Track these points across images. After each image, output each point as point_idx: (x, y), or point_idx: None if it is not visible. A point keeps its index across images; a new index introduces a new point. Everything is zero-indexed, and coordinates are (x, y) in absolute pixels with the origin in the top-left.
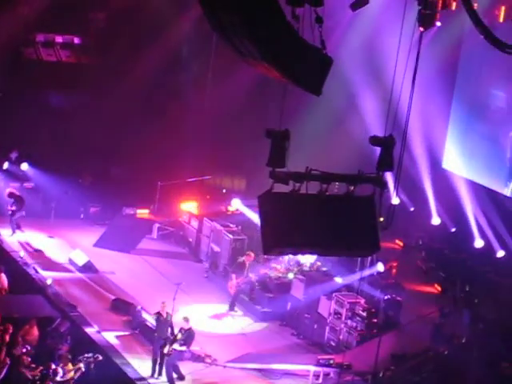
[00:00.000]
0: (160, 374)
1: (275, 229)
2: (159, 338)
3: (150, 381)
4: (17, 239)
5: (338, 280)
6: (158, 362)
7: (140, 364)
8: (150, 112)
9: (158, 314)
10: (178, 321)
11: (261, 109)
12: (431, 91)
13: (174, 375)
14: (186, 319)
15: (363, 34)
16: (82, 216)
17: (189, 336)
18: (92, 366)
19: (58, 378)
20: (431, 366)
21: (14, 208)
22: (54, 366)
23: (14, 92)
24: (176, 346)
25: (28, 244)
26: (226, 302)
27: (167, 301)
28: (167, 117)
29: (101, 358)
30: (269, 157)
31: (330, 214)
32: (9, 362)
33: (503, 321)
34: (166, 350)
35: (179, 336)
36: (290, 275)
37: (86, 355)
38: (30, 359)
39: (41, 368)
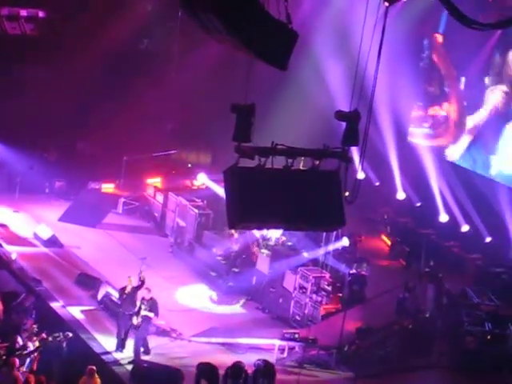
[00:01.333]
0: (124, 347)
1: (240, 203)
2: (124, 313)
3: (115, 355)
4: None
5: (304, 254)
6: (123, 336)
7: (105, 338)
8: (116, 86)
9: (123, 289)
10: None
11: (227, 83)
12: (398, 65)
13: (141, 349)
14: (148, 289)
15: (330, 8)
16: (47, 191)
17: (152, 305)
18: (64, 344)
19: (24, 352)
20: (396, 339)
21: None
22: (20, 341)
23: None
24: (144, 313)
25: None
26: (190, 276)
27: (133, 275)
28: (133, 91)
29: (71, 335)
30: (234, 131)
31: (296, 189)
32: None
33: (467, 295)
34: (135, 322)
35: (143, 307)
36: (256, 250)
37: (56, 334)
38: None
39: (6, 343)
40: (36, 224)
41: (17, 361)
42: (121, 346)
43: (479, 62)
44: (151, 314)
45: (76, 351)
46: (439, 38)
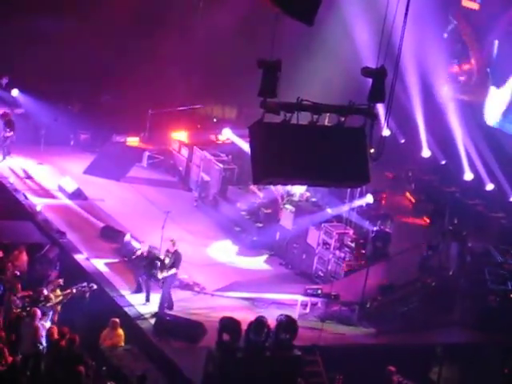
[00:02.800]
0: (148, 300)
1: (265, 159)
2: (148, 267)
3: (139, 308)
4: (6, 165)
5: (328, 211)
6: (145, 289)
7: (128, 291)
8: (142, 39)
9: (167, 251)
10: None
11: (254, 39)
12: (425, 20)
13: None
14: (173, 242)
15: None
16: (71, 143)
17: (176, 258)
18: (87, 295)
19: (48, 304)
20: (418, 297)
21: (9, 134)
22: (45, 292)
23: (2, 17)
24: (165, 274)
25: (18, 170)
26: (214, 231)
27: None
28: (159, 44)
29: (95, 287)
30: (260, 87)
31: (321, 145)
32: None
33: (490, 254)
34: (159, 276)
35: (167, 260)
36: (280, 205)
37: (79, 285)
38: (19, 285)
39: (30, 293)
40: (61, 176)
41: (38, 312)
42: (146, 299)
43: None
44: (173, 271)
45: (99, 304)
46: None
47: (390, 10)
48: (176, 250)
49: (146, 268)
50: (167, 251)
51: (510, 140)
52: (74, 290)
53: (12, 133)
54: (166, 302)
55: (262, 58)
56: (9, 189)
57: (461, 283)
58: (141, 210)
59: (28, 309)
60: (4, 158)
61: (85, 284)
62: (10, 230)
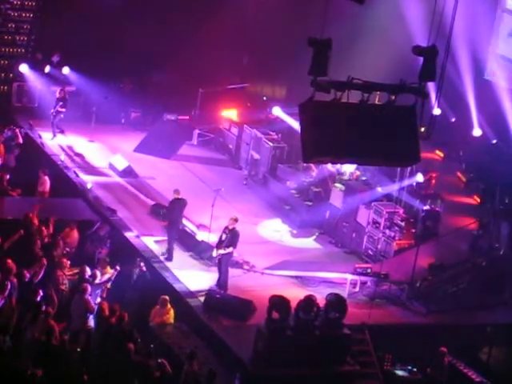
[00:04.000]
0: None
1: (315, 137)
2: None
3: (189, 286)
4: (57, 143)
5: (378, 189)
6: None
7: (178, 269)
8: (193, 17)
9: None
10: (215, 227)
11: (305, 17)
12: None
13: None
14: (234, 219)
15: None
16: (122, 121)
17: (233, 236)
18: (137, 272)
19: (96, 281)
20: (468, 276)
21: (62, 109)
22: (88, 270)
23: None
24: (221, 251)
25: (69, 148)
26: (263, 209)
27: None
28: (210, 22)
29: (145, 264)
30: (310, 65)
31: (371, 124)
32: (45, 263)
33: None
34: (214, 254)
35: (224, 236)
36: (330, 184)
37: (130, 263)
38: (69, 262)
39: (76, 271)
40: (111, 154)
41: (89, 287)
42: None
43: None
44: (230, 249)
45: (149, 281)
46: None
47: None
48: (234, 228)
49: (195, 248)
50: (226, 228)
51: None
52: (123, 267)
53: (64, 109)
54: (225, 281)
55: (312, 37)
56: (60, 166)
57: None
58: (191, 187)
59: (78, 285)
60: (55, 136)
61: (134, 262)
62: (61, 208)
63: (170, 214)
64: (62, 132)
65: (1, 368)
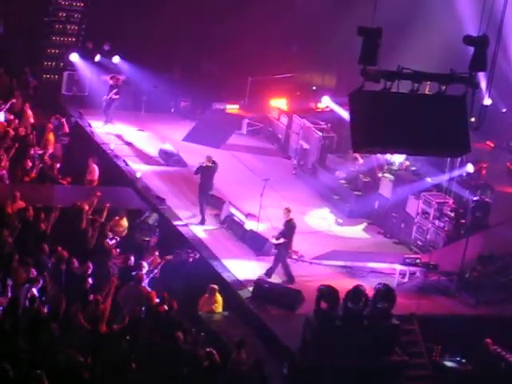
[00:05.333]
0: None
1: (365, 127)
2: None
3: (238, 275)
4: (107, 131)
5: (427, 180)
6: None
7: (227, 258)
8: (243, 5)
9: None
10: (264, 217)
11: (354, 5)
12: None
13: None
14: (287, 210)
15: None
16: (172, 110)
17: (287, 228)
18: (186, 261)
19: (142, 271)
20: None
21: (116, 96)
22: (132, 259)
23: None
24: (274, 241)
25: (118, 137)
26: (313, 199)
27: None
28: (260, 11)
29: (196, 254)
30: (360, 54)
31: (421, 114)
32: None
33: None
34: (273, 242)
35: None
36: (379, 174)
37: (178, 251)
38: (118, 250)
39: (125, 259)
40: (161, 143)
41: (144, 276)
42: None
43: None
44: (281, 240)
45: (198, 270)
46: None
47: None
48: (289, 220)
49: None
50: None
51: None
52: (173, 256)
53: (118, 96)
54: (286, 276)
55: (362, 26)
56: (110, 155)
57: None
58: (240, 177)
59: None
60: (106, 124)
61: (185, 250)
62: (110, 196)
63: (201, 179)
64: (111, 122)
65: (51, 354)
